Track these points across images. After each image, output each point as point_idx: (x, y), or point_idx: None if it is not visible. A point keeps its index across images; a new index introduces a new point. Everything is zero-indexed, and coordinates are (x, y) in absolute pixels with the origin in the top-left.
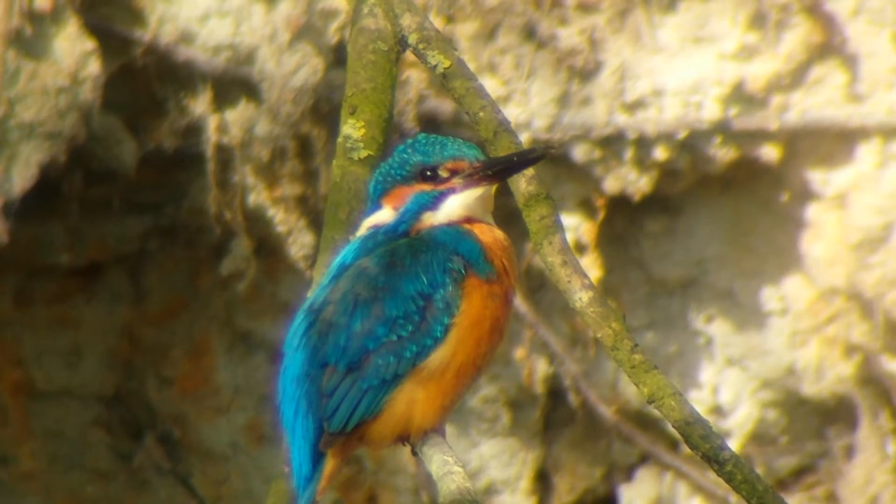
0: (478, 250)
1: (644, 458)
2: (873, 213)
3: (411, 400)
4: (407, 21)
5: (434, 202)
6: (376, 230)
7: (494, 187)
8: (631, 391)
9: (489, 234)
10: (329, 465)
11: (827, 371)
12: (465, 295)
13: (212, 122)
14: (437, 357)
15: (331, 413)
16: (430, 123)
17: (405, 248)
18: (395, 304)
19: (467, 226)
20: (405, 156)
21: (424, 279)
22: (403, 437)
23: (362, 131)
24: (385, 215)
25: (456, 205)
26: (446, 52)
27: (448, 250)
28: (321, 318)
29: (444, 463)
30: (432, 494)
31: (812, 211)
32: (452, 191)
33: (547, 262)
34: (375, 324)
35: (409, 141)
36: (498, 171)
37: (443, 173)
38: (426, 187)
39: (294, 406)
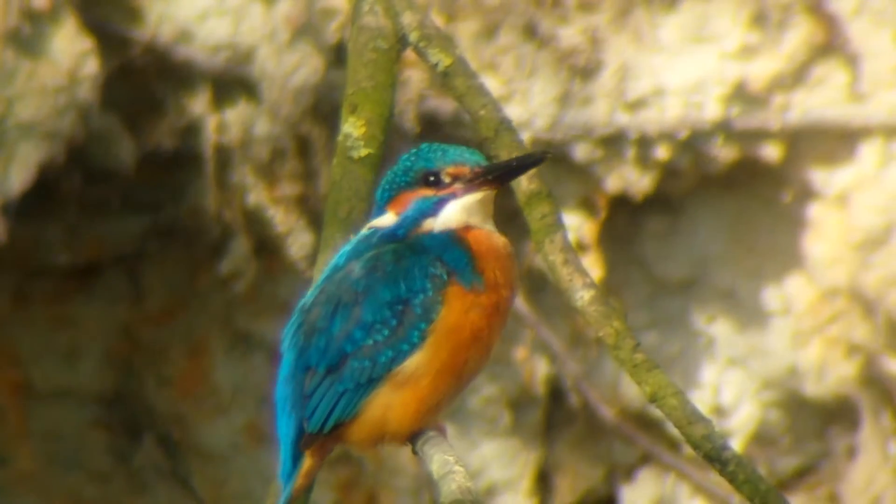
0: (465, 260)
1: (646, 459)
2: (875, 213)
3: (387, 404)
4: (408, 19)
5: (434, 207)
6: (373, 232)
7: (494, 193)
8: (632, 392)
9: (486, 243)
10: (306, 463)
11: (829, 371)
12: (445, 302)
13: (211, 122)
14: (413, 363)
15: (310, 414)
16: (430, 123)
17: (390, 253)
18: (371, 309)
19: (462, 233)
20: (409, 163)
21: (403, 285)
22: (382, 440)
23: (363, 129)
24: (387, 219)
25: (455, 210)
26: (447, 49)
27: (431, 256)
28: (307, 319)
29: (445, 462)
30: (433, 495)
31: (814, 210)
32: (453, 196)
33: (548, 261)
34: (353, 328)
35: (413, 149)
36: (497, 175)
37: (445, 178)
38: (428, 192)
39: (281, 405)
